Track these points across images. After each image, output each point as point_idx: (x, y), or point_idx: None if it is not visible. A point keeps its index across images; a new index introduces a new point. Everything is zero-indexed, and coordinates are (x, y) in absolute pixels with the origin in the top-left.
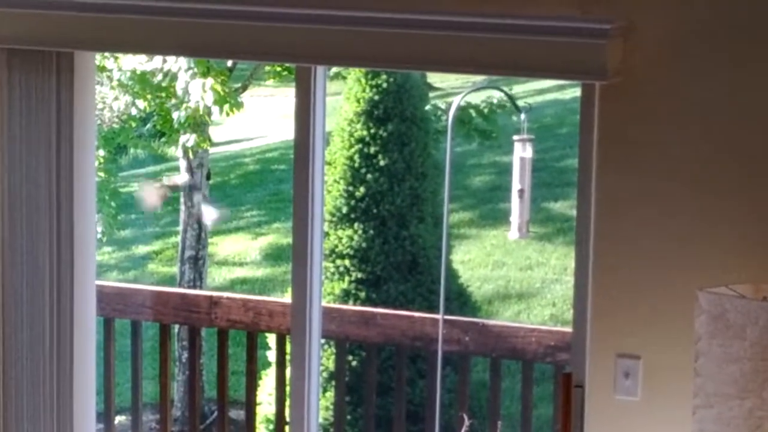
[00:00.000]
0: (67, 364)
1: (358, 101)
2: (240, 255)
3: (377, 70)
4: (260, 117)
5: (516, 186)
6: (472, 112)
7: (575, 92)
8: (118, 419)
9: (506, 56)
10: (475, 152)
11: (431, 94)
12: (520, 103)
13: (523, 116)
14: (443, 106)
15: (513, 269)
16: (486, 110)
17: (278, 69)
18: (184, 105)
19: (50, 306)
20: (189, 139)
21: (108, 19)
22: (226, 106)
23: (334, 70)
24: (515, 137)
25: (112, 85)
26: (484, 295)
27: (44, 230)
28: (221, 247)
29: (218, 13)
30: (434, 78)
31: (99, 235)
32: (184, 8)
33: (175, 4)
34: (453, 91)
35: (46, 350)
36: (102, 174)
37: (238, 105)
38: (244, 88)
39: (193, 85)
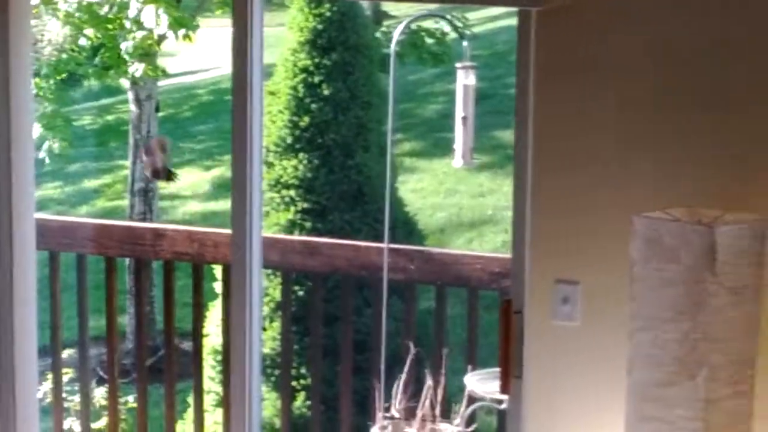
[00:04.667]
0: (7, 298)
1: (301, 30)
2: (193, 187)
3: None
4: (214, 48)
5: (459, 113)
6: (424, 35)
7: None
8: (67, 353)
9: None
10: (427, 80)
11: (386, 22)
12: (466, 31)
13: (465, 43)
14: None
15: (465, 197)
16: (437, 33)
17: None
18: (132, 35)
19: None
20: (137, 68)
21: None
22: (182, 31)
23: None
24: (458, 64)
25: (57, 16)
26: (437, 224)
27: None
28: None
29: None
30: (389, 6)
31: (55, 158)
32: None
33: None
34: (412, 17)
35: None
36: (50, 103)
37: (194, 27)
38: (192, 18)
39: (146, 12)
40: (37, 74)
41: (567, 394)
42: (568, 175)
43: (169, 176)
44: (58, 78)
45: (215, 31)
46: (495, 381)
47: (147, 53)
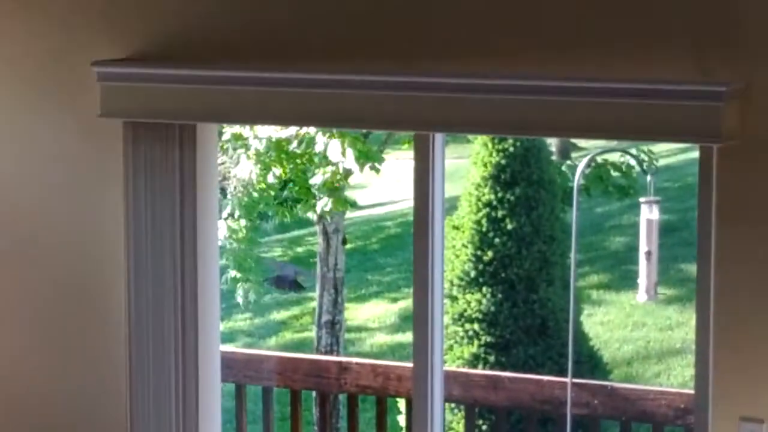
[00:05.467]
0: (192, 430)
1: (485, 165)
2: (380, 319)
3: (493, 135)
4: (402, 180)
5: (643, 248)
6: (610, 168)
7: None
8: None
9: (620, 120)
10: (614, 213)
11: (574, 154)
12: (651, 165)
13: (649, 178)
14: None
15: (653, 330)
16: (623, 167)
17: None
18: (322, 170)
19: (176, 373)
20: (327, 203)
21: (229, 90)
22: (368, 164)
23: None
24: (641, 199)
25: (248, 154)
26: (623, 357)
27: (169, 299)
28: (360, 311)
29: (333, 83)
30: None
31: (250, 303)
32: (299, 79)
33: (292, 76)
34: (597, 150)
35: (172, 416)
36: (242, 244)
37: (379, 159)
38: (380, 152)
39: (332, 146)
40: (230, 215)
41: None
42: (752, 309)
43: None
44: (249, 218)
45: (404, 164)
46: None
47: (335, 188)
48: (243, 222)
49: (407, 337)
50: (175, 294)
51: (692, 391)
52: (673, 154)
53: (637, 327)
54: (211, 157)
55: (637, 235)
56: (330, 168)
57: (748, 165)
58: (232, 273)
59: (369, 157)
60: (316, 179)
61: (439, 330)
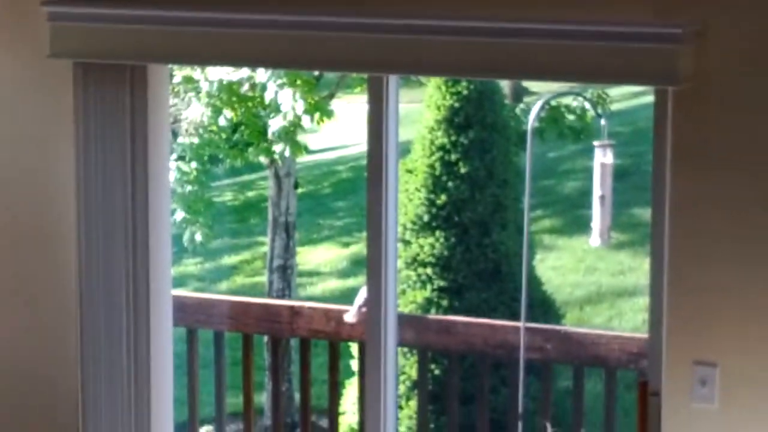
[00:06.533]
0: (144, 374)
1: (438, 108)
2: (332, 264)
3: (447, 78)
4: (354, 124)
5: (597, 192)
6: (564, 111)
7: None
8: (205, 429)
9: (577, 63)
10: (567, 157)
11: (527, 98)
12: (604, 109)
13: (603, 122)
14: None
15: (605, 275)
16: (577, 110)
17: (365, 77)
18: (272, 116)
19: (127, 317)
20: (284, 149)
21: (180, 31)
22: (317, 115)
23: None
24: (595, 143)
25: (198, 96)
26: (576, 302)
27: (120, 243)
28: (312, 255)
29: (286, 24)
30: (530, 82)
31: (198, 246)
32: (251, 20)
33: (245, 16)
34: (550, 94)
35: (123, 361)
36: (192, 186)
37: (329, 113)
38: (331, 96)
39: (283, 95)
40: (181, 158)
41: None
42: (705, 253)
43: None
44: (200, 162)
45: (356, 107)
46: None
47: (289, 132)
48: (194, 164)
49: (359, 281)
50: (126, 237)
51: (645, 336)
52: (625, 98)
53: (589, 271)
54: (163, 99)
55: (590, 179)
56: (278, 115)
57: (703, 108)
58: (180, 215)
59: (318, 109)
60: (275, 124)
61: (393, 274)
